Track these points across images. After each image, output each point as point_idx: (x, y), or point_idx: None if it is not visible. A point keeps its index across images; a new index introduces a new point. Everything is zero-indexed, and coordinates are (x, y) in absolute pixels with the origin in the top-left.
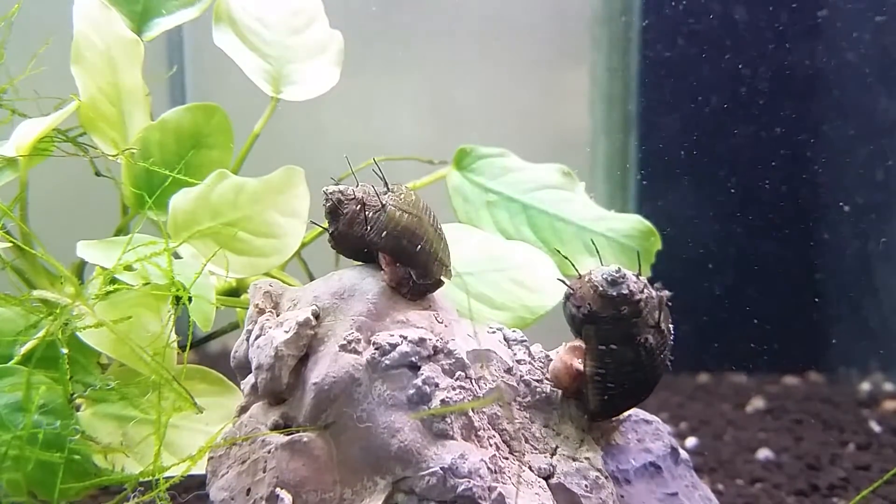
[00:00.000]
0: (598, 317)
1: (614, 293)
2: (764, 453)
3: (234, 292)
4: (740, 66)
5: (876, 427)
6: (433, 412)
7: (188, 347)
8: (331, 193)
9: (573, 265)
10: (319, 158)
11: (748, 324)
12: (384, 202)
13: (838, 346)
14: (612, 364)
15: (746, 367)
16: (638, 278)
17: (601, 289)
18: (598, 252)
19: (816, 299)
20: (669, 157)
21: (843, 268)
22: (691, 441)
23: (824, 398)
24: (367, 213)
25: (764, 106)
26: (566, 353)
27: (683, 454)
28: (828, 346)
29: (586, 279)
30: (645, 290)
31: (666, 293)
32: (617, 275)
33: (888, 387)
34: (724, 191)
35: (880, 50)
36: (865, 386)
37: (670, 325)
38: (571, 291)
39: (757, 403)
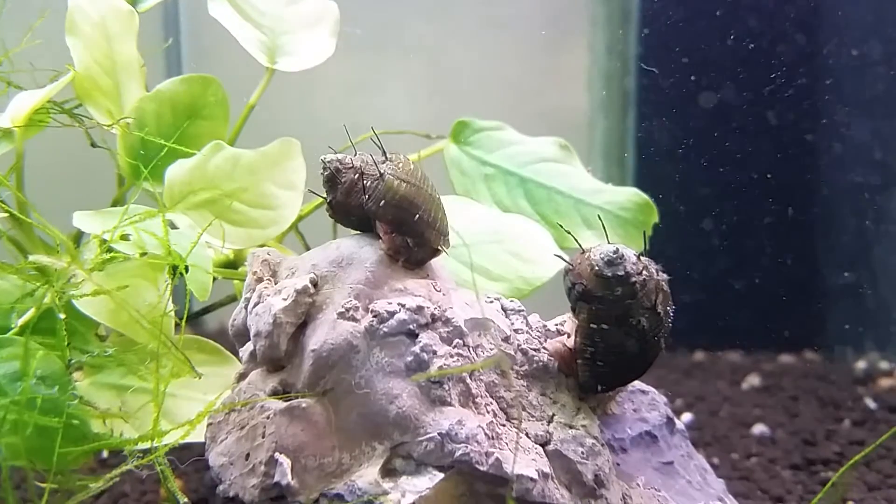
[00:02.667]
0: (592, 295)
1: (609, 274)
2: (759, 429)
3: (232, 264)
4: (740, 44)
5: (871, 404)
6: (431, 375)
7: (185, 318)
8: (329, 162)
9: (576, 240)
10: (316, 136)
11: (745, 302)
12: (382, 171)
13: (834, 325)
14: (601, 343)
15: (742, 346)
16: (639, 259)
17: (597, 268)
18: (604, 227)
19: (813, 278)
20: (668, 135)
21: (840, 247)
22: (687, 417)
23: (820, 376)
24: (364, 181)
25: (764, 84)
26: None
27: (679, 424)
28: (824, 324)
29: (586, 256)
30: (643, 273)
31: (665, 276)
32: (614, 255)
33: (884, 365)
34: (723, 170)
35: (883, 30)
36: (861, 364)
37: (669, 309)
38: (570, 266)
39: (753, 381)
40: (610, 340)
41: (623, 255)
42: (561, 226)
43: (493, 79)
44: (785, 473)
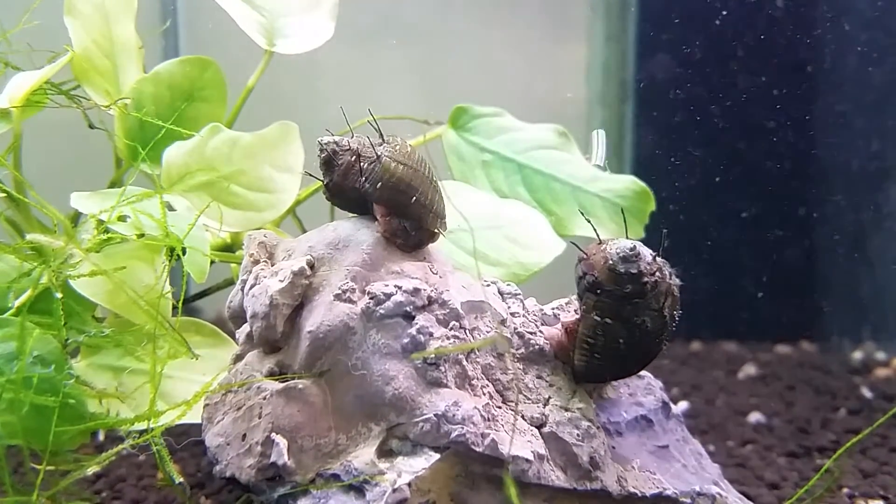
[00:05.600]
0: (602, 288)
1: (622, 270)
2: (755, 417)
3: (229, 248)
4: (738, 34)
5: (867, 393)
6: (428, 353)
7: (181, 300)
8: (326, 144)
9: (595, 231)
10: (315, 120)
11: (741, 292)
12: (379, 153)
13: (831, 316)
14: (602, 336)
15: (739, 336)
16: (654, 260)
17: (611, 262)
18: (625, 221)
19: (810, 269)
20: (666, 125)
21: (837, 237)
22: (683, 405)
23: (816, 366)
24: (361, 163)
25: (762, 74)
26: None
27: (675, 409)
28: (820, 315)
29: (603, 247)
30: (657, 274)
31: (678, 281)
32: (631, 252)
33: (880, 355)
34: (720, 160)
35: (882, 21)
36: (858, 355)
37: (675, 313)
38: (584, 256)
39: (749, 370)
40: (611, 335)
41: (640, 254)
42: (582, 213)
43: (491, 69)
44: (780, 461)
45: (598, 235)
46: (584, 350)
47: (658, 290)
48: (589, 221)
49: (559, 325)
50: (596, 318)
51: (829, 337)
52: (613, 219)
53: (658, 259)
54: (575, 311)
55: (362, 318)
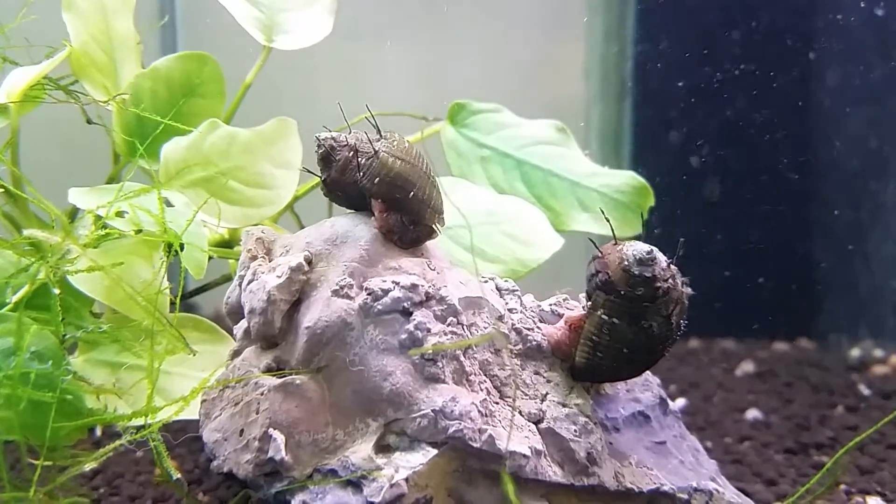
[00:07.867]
0: (613, 288)
1: (637, 272)
2: (753, 414)
3: (227, 244)
4: (737, 33)
5: (865, 390)
6: (426, 349)
7: (179, 296)
8: (323, 139)
9: (613, 232)
10: (313, 116)
11: (739, 289)
12: (376, 148)
13: (829, 314)
14: (607, 336)
15: (737, 333)
16: (669, 266)
17: (626, 263)
18: (641, 220)
19: (808, 266)
20: (664, 122)
21: (835, 235)
22: (681, 402)
23: (814, 363)
24: (359, 159)
25: (759, 72)
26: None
27: (672, 405)
28: (818, 313)
29: (618, 248)
30: (669, 280)
31: (689, 291)
32: (647, 255)
33: (878, 353)
34: (718, 157)
35: (879, 16)
36: (855, 352)
37: (682, 322)
38: (599, 254)
39: (747, 367)
40: (616, 336)
41: (655, 258)
42: (606, 217)
43: (490, 66)
44: (778, 457)
45: (614, 235)
46: (587, 347)
47: (669, 296)
48: (608, 220)
49: (560, 323)
50: (603, 316)
51: (827, 334)
52: (612, 214)
53: (672, 266)
54: (582, 307)
55: (360, 313)
